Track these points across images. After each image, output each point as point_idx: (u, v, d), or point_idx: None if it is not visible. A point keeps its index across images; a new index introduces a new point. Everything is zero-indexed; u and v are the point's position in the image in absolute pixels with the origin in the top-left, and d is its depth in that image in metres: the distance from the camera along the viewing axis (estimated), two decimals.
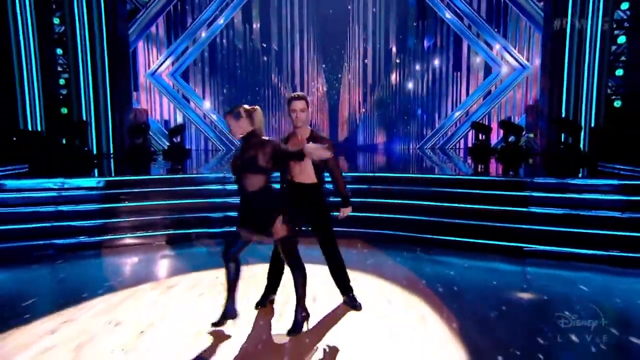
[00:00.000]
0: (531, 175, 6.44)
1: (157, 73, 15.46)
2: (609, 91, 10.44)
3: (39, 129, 11.05)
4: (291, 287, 3.45)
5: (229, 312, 3.43)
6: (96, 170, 8.77)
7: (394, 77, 16.05)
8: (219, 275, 4.21)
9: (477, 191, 6.36)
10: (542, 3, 12.90)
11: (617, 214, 5.50)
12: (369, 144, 16.43)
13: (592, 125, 10.50)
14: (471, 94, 15.20)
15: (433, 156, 12.29)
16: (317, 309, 3.77)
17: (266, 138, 3.21)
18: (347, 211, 3.75)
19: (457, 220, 5.94)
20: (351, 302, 3.80)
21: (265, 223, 3.20)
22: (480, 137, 11.55)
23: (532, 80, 14.23)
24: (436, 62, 15.47)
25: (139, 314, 3.74)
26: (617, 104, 10.34)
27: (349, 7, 16.14)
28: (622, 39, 10.18)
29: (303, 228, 3.67)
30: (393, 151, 15.23)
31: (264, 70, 16.17)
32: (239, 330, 3.41)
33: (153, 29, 15.20)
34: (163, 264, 5.42)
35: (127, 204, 6.50)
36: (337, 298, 3.88)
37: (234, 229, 3.47)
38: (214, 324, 3.41)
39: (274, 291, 3.85)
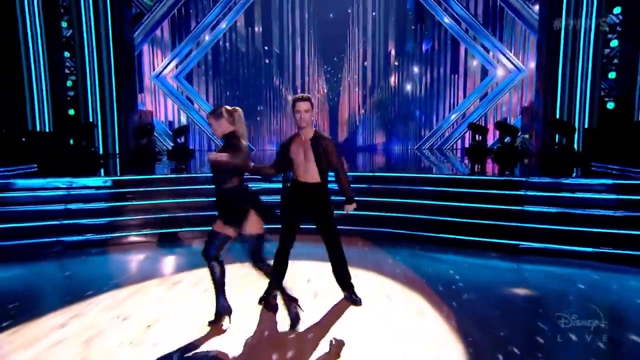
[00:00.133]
0: (526, 175, 6.50)
1: (161, 75, 15.57)
2: (602, 93, 10.52)
3: (47, 130, 11.16)
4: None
5: (222, 309, 3.48)
6: (102, 170, 8.88)
7: (393, 79, 16.15)
8: None
9: (474, 190, 6.46)
10: (536, 7, 13.03)
11: (610, 213, 5.60)
12: (368, 144, 16.51)
13: (586, 126, 10.56)
14: (468, 96, 15.31)
15: (431, 156, 12.40)
16: (318, 304, 3.85)
17: (240, 146, 3.26)
18: (350, 207, 3.76)
19: (454, 219, 6.03)
20: (352, 298, 3.86)
21: (239, 218, 3.31)
22: (477, 138, 11.56)
23: (528, 82, 14.35)
24: (434, 64, 15.61)
25: (146, 309, 3.81)
26: (610, 105, 10.43)
27: (349, 10, 16.24)
28: (614, 43, 10.30)
29: (302, 226, 3.72)
30: (392, 152, 15.36)
31: (266, 72, 16.27)
32: (242, 325, 3.48)
33: (158, 32, 15.30)
34: (168, 261, 5.50)
35: (133, 202, 6.60)
36: (338, 294, 3.95)
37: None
38: (211, 324, 3.45)
39: (278, 287, 3.93)
